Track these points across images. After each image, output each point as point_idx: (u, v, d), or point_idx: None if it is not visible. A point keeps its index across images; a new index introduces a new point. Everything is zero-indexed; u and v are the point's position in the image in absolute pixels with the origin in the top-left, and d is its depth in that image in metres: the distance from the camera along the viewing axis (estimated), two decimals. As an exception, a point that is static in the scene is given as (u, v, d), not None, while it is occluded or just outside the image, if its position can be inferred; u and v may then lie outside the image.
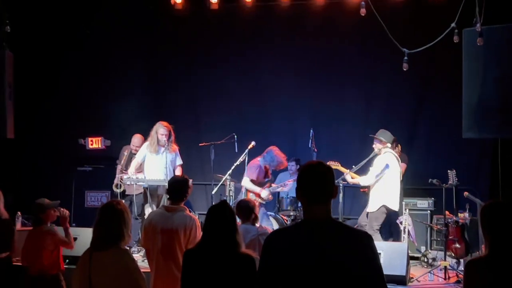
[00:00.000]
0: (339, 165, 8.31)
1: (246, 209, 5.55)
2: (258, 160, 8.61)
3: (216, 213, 3.92)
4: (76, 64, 10.66)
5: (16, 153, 10.30)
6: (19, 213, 8.28)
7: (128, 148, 9.25)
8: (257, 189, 8.51)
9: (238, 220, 5.36)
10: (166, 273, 4.96)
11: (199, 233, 5.10)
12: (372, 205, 7.91)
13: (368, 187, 8.08)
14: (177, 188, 5.30)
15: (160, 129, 8.34)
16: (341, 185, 7.99)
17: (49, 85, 10.64)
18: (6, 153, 10.06)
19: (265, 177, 8.71)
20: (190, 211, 5.38)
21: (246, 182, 8.52)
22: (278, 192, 9.48)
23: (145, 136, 8.68)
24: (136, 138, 9.13)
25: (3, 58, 8.22)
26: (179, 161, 8.63)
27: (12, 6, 8.50)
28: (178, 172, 8.55)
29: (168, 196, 5.47)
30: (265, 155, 8.57)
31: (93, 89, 10.74)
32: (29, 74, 10.16)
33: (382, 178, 7.84)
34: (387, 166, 7.80)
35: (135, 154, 8.89)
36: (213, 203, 8.11)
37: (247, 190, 8.57)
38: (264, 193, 8.51)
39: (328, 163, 8.13)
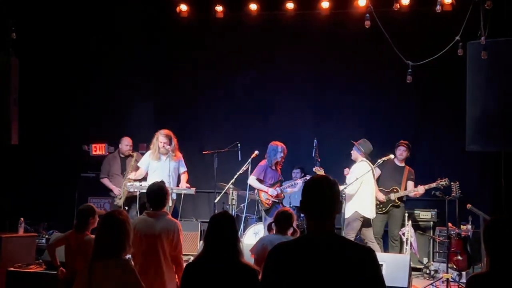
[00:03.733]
0: (323, 171, 8.42)
1: (285, 221, 5.33)
2: (265, 161, 8.66)
3: (216, 223, 3.90)
4: (81, 71, 10.68)
5: (20, 159, 10.30)
6: (21, 219, 8.29)
7: (114, 157, 9.44)
8: (264, 187, 8.53)
9: (273, 229, 5.38)
10: (146, 277, 4.97)
11: (182, 236, 5.25)
12: (347, 211, 7.97)
13: None
14: (157, 195, 5.34)
15: (160, 137, 8.42)
16: (343, 195, 7.97)
17: (53, 91, 10.65)
18: (10, 159, 10.08)
19: (275, 178, 8.68)
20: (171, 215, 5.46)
21: (251, 181, 8.55)
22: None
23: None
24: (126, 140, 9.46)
25: (9, 64, 8.27)
26: (183, 168, 8.64)
27: (17, 13, 8.55)
28: (184, 179, 8.57)
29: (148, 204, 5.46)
30: (267, 153, 8.61)
31: (97, 96, 10.76)
32: (34, 80, 10.17)
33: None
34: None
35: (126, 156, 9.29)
36: (216, 211, 8.27)
37: (258, 190, 8.57)
38: (272, 191, 8.52)
39: (314, 169, 8.40)
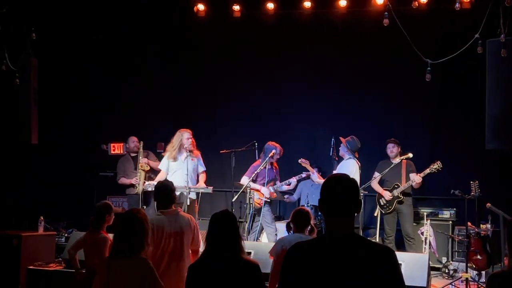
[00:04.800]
0: (308, 164, 8.67)
1: (303, 219, 5.31)
2: (259, 160, 8.66)
3: (217, 222, 3.90)
4: (99, 70, 10.75)
5: (39, 158, 10.39)
6: (41, 218, 8.36)
7: (126, 158, 9.46)
8: (256, 186, 8.54)
9: (291, 228, 5.37)
10: (173, 274, 5.03)
11: (199, 229, 5.38)
12: None
13: None
14: (164, 194, 5.41)
15: (185, 134, 8.35)
16: (362, 194, 7.95)
17: (72, 91, 10.74)
18: (30, 158, 10.17)
19: (270, 176, 8.67)
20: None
21: (244, 181, 8.57)
22: (299, 200, 9.48)
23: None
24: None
25: (29, 64, 8.36)
26: (202, 168, 8.56)
27: (37, 13, 8.62)
28: (202, 179, 8.51)
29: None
30: (263, 152, 8.64)
31: (115, 95, 10.83)
32: (54, 80, 10.26)
33: None
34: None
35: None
36: (233, 210, 8.28)
37: (251, 189, 8.58)
38: (265, 190, 8.52)
39: (299, 160, 8.51)
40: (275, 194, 8.73)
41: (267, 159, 8.46)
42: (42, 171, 10.57)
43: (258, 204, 8.56)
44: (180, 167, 8.34)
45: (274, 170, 8.81)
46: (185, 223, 5.25)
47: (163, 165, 8.56)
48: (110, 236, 5.12)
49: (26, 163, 10.23)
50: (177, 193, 8.29)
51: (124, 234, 4.15)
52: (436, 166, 8.13)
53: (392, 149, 8.55)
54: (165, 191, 5.44)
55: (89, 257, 5.52)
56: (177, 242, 5.16)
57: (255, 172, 8.51)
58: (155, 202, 8.19)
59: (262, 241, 8.50)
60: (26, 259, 7.67)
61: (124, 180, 9.34)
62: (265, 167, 8.52)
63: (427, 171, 8.21)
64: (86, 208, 9.90)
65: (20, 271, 7.55)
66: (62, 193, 10.35)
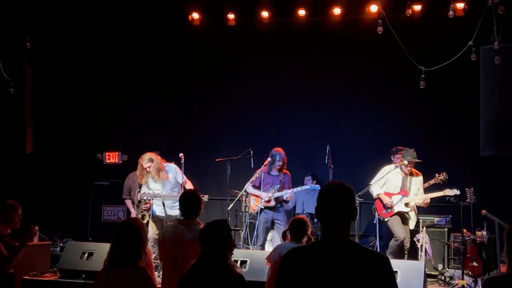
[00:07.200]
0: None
1: (300, 228, 5.24)
2: (265, 167, 8.56)
3: (206, 232, 3.89)
4: (94, 79, 10.74)
5: (34, 167, 10.37)
6: (36, 227, 8.30)
7: (134, 182, 9.01)
8: (257, 192, 8.49)
9: (288, 236, 5.33)
10: (174, 285, 4.97)
11: None
12: (414, 222, 8.27)
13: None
14: (189, 204, 5.28)
15: (139, 161, 8.03)
16: (357, 201, 7.94)
17: (67, 100, 10.71)
18: (25, 167, 10.15)
19: (274, 183, 8.51)
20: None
21: (248, 187, 8.53)
22: (295, 207, 9.47)
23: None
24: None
25: (23, 73, 8.36)
26: (180, 179, 8.09)
27: (31, 23, 8.63)
28: (189, 186, 8.10)
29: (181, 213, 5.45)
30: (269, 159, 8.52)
31: (110, 104, 10.80)
32: (48, 89, 10.24)
33: None
34: None
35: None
36: (229, 219, 8.26)
37: (251, 195, 8.57)
38: (264, 195, 8.40)
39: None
40: (271, 202, 8.40)
41: (262, 167, 8.45)
42: (37, 181, 10.53)
43: (253, 210, 8.50)
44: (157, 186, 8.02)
45: (281, 178, 8.52)
46: (195, 235, 5.07)
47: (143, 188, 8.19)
48: None
49: (21, 172, 10.19)
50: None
51: (120, 243, 4.12)
52: (442, 177, 8.09)
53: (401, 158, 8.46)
54: (188, 200, 5.31)
55: None
56: (181, 253, 5.01)
57: (252, 179, 8.46)
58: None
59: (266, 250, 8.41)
60: (21, 269, 7.59)
61: (128, 204, 9.09)
62: (268, 173, 8.48)
63: (432, 181, 8.19)
64: (81, 217, 9.88)
65: (15, 281, 7.48)
66: (57, 203, 10.31)
